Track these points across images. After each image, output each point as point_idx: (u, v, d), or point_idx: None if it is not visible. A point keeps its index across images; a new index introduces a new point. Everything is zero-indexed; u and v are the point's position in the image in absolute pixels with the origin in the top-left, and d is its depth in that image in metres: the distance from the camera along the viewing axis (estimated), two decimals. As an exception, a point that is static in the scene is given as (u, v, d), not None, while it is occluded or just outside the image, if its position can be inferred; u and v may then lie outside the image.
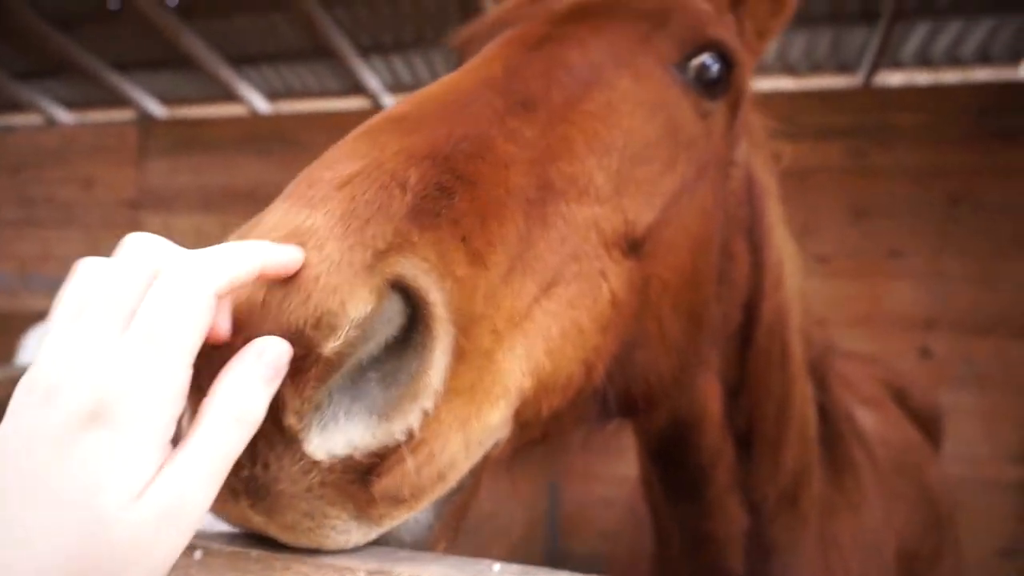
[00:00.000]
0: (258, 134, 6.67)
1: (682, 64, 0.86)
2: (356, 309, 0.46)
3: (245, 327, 0.47)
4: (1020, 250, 4.80)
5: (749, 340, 1.13)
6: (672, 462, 1.18)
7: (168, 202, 6.88)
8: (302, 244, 0.47)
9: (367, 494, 0.49)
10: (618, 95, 0.76)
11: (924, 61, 5.19)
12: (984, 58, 5.06)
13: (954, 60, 5.14)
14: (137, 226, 6.92)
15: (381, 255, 0.47)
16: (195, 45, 5.77)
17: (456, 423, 0.52)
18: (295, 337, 0.46)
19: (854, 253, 5.14)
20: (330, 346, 0.46)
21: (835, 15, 4.81)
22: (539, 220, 0.64)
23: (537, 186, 0.65)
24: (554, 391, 0.65)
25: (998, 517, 4.67)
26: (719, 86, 0.90)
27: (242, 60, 6.18)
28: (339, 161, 0.55)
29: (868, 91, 5.21)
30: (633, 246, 0.75)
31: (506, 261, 0.58)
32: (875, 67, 5.04)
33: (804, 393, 1.23)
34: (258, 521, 0.49)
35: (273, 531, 0.50)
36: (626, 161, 0.74)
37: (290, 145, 6.50)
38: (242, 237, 0.53)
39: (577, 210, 0.68)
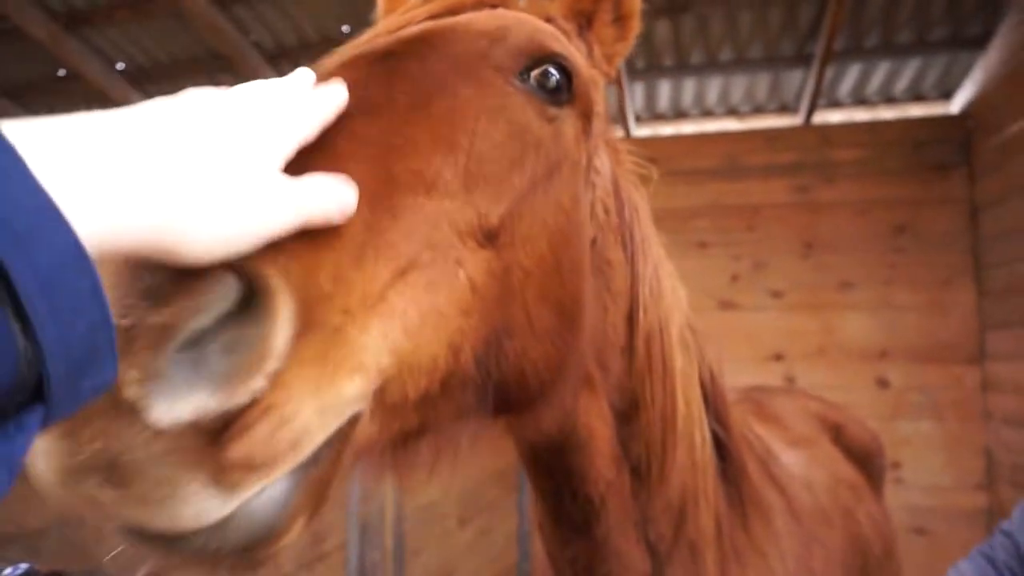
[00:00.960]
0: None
1: (523, 75, 0.89)
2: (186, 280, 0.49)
3: None
4: (964, 278, 4.90)
5: (633, 351, 1.14)
6: (559, 493, 1.14)
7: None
8: None
9: (219, 459, 0.48)
10: (460, 101, 0.80)
11: (860, 100, 5.37)
12: (916, 96, 5.25)
13: (888, 98, 5.32)
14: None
15: None
16: (146, 109, 5.79)
17: (308, 389, 0.52)
18: (127, 309, 0.47)
19: (806, 287, 5.21)
20: (160, 313, 0.47)
21: (770, 58, 4.98)
22: (386, 211, 0.65)
23: (381, 180, 0.66)
24: (419, 371, 0.66)
25: (965, 546, 4.64)
26: (562, 94, 0.93)
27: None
28: None
29: (809, 129, 5.36)
30: (488, 236, 0.77)
31: (353, 247, 0.60)
32: (813, 107, 5.20)
33: (691, 414, 1.22)
34: (111, 498, 0.48)
35: (129, 509, 0.48)
36: (473, 159, 0.77)
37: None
38: None
39: (426, 203, 0.70)
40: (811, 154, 5.28)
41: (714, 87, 5.35)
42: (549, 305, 0.87)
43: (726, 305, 5.31)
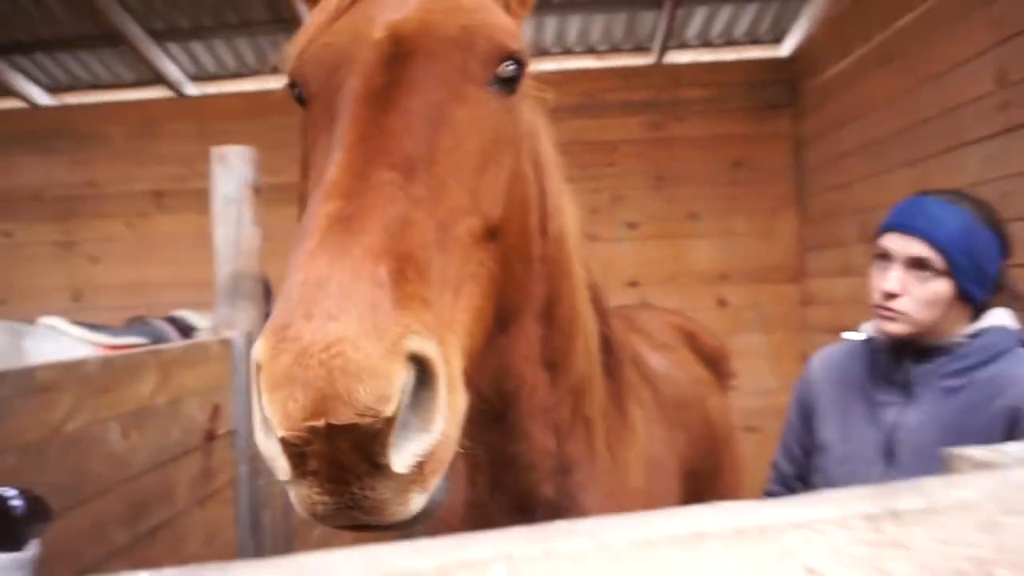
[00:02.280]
0: (41, 129, 5.98)
1: (493, 78, 1.05)
2: (398, 383, 0.71)
3: (331, 414, 0.68)
4: (790, 206, 5.53)
5: (544, 257, 1.34)
6: (481, 391, 1.31)
7: (-66, 212, 6.01)
8: (343, 351, 0.69)
9: (422, 475, 0.76)
10: (461, 127, 0.98)
11: (705, 42, 5.77)
12: (754, 39, 5.72)
13: (730, 41, 5.76)
14: None
15: (396, 343, 0.72)
16: (-51, 31, 5.07)
17: (454, 417, 0.81)
18: (368, 413, 0.69)
19: (658, 218, 5.65)
20: (391, 409, 0.70)
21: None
22: (446, 251, 0.90)
23: (438, 229, 0.89)
24: (475, 351, 0.95)
25: (789, 438, 5.40)
26: (517, 81, 1.10)
27: (12, 49, 5.51)
28: (327, 276, 0.75)
29: (661, 68, 5.71)
30: (492, 233, 1.01)
31: (440, 292, 0.85)
32: (665, 47, 5.53)
33: (584, 312, 1.45)
34: (366, 520, 0.76)
35: (374, 521, 0.76)
36: (476, 175, 0.99)
37: (82, 140, 5.92)
38: (276, 358, 0.71)
39: (460, 228, 0.94)
40: (663, 92, 5.64)
41: (574, 25, 5.53)
42: (522, 257, 1.15)
43: (588, 237, 5.62)
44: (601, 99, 5.64)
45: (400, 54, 0.98)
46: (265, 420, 0.73)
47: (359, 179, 0.85)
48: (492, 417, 1.35)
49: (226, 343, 2.73)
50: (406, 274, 0.77)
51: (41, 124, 6.01)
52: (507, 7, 1.23)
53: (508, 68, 1.05)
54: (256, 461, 2.97)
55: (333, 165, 0.88)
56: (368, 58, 0.98)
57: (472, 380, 1.33)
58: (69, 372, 1.76)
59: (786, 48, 5.61)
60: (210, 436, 2.58)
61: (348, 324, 0.69)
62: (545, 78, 5.52)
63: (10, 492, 1.16)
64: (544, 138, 1.40)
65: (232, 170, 2.84)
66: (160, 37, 5.41)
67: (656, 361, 2.02)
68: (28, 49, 5.52)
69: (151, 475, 2.21)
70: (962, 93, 3.26)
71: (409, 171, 0.88)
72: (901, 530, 0.28)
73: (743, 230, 5.57)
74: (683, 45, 5.76)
